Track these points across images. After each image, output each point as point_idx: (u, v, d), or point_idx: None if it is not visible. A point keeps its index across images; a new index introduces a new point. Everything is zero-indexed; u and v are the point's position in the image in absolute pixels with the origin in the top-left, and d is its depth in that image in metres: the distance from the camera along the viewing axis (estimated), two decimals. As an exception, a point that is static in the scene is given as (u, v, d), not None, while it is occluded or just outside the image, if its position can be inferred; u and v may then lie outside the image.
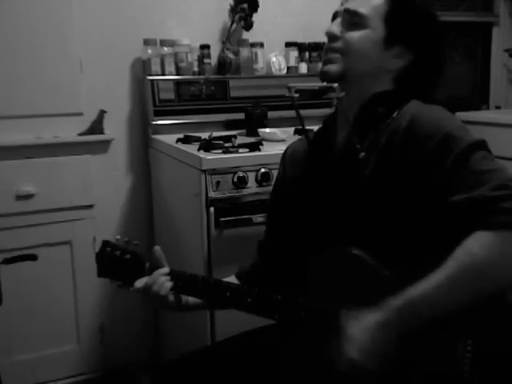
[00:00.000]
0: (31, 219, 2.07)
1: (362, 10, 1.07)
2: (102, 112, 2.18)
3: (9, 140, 2.04)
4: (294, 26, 2.43)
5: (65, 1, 2.08)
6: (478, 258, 0.90)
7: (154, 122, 2.19)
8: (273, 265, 1.25)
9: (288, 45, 2.39)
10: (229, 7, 2.32)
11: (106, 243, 1.21)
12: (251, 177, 1.70)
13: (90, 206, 2.19)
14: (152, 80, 2.18)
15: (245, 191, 1.70)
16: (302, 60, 2.42)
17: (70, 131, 2.15)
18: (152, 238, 2.32)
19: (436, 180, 0.98)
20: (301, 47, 2.42)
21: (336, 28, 1.09)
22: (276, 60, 2.37)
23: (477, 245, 0.90)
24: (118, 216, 2.29)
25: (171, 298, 1.15)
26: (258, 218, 1.69)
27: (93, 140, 2.18)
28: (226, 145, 1.82)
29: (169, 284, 1.14)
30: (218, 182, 1.66)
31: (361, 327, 0.94)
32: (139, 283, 1.14)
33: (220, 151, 1.74)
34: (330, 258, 1.06)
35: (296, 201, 1.19)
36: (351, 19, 1.08)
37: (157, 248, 1.20)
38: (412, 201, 1.01)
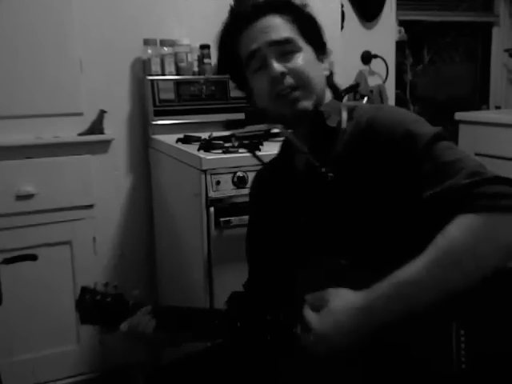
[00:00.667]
0: (31, 219, 2.07)
1: (288, 35, 1.06)
2: (102, 112, 2.18)
3: (9, 140, 2.04)
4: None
5: (65, 0, 2.08)
6: (460, 240, 0.89)
7: (154, 122, 2.19)
8: (261, 287, 1.24)
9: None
10: (229, 7, 2.32)
11: (84, 290, 1.19)
12: (251, 177, 1.69)
13: (90, 206, 2.19)
14: (152, 80, 2.18)
15: (245, 191, 1.69)
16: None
17: (70, 131, 2.15)
18: (152, 237, 2.32)
19: (405, 179, 0.98)
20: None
21: (277, 66, 1.05)
22: (276, 60, 2.37)
23: (457, 228, 0.90)
24: (118, 216, 2.29)
25: (159, 335, 1.13)
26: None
27: (93, 140, 2.18)
28: (226, 145, 1.82)
29: (153, 321, 1.12)
30: (218, 182, 1.66)
31: (342, 305, 0.94)
32: (124, 326, 1.13)
33: (220, 151, 1.73)
34: (316, 269, 1.05)
35: (274, 224, 1.19)
36: (283, 48, 1.06)
37: (135, 292, 1.19)
38: (382, 202, 1.00)
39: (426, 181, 0.95)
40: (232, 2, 2.30)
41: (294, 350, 1.04)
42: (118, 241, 2.30)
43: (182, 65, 2.23)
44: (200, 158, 1.66)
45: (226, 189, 1.67)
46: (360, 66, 2.76)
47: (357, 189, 1.03)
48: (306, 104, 1.06)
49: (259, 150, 1.76)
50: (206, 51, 2.26)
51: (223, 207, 1.67)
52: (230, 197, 1.68)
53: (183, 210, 1.91)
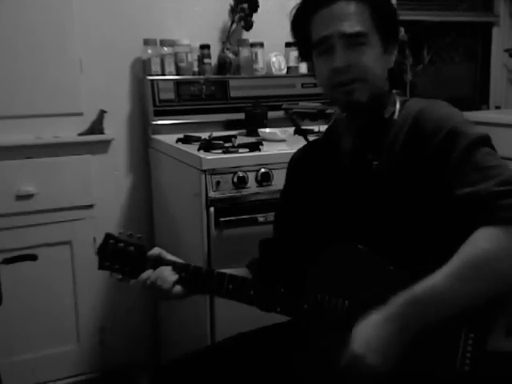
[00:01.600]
0: (31, 219, 2.07)
1: (361, 28, 1.05)
2: (102, 112, 2.18)
3: (9, 140, 2.04)
4: (294, 25, 2.43)
5: (65, 0, 2.08)
6: (486, 252, 0.90)
7: (154, 122, 2.19)
8: (280, 261, 1.26)
9: (288, 45, 2.38)
10: (229, 7, 2.32)
11: (108, 236, 1.22)
12: (251, 177, 1.70)
13: (90, 206, 2.19)
14: (152, 80, 2.18)
15: (245, 191, 1.70)
16: (302, 60, 2.42)
17: (70, 131, 2.15)
18: (152, 237, 2.32)
19: (442, 175, 0.99)
20: (301, 47, 2.42)
21: (343, 58, 1.05)
22: (276, 60, 2.37)
23: (484, 240, 0.90)
24: (118, 216, 2.29)
25: (175, 290, 1.16)
26: (258, 217, 1.69)
27: (93, 140, 2.18)
28: (226, 145, 1.82)
29: (173, 278, 1.16)
30: (218, 182, 1.66)
31: (367, 323, 0.95)
32: (145, 275, 1.16)
33: (220, 151, 1.74)
34: (336, 253, 1.07)
35: (307, 203, 1.21)
36: (353, 41, 1.05)
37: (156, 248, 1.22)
38: (420, 196, 1.02)
39: (460, 179, 0.96)
40: (232, 2, 2.31)
41: (307, 343, 1.05)
42: (118, 241, 2.30)
43: (182, 65, 2.23)
44: (200, 157, 1.66)
45: (226, 189, 1.67)
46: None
47: (399, 179, 1.05)
48: (361, 96, 1.07)
49: (259, 150, 1.76)
50: (205, 51, 2.26)
51: (223, 207, 1.67)
52: (230, 197, 1.68)
53: (183, 210, 1.91)
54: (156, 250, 1.21)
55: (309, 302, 1.04)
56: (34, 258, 1.87)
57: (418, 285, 0.92)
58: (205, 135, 1.98)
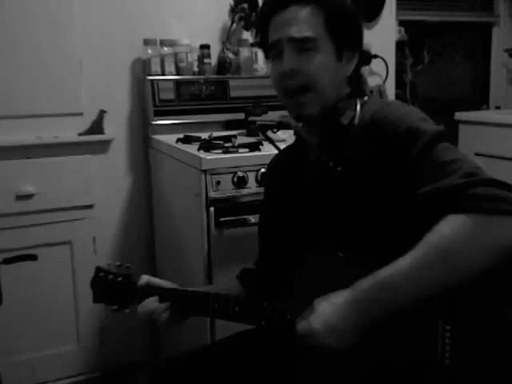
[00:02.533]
0: (31, 219, 2.07)
1: (309, 33, 1.04)
2: (102, 112, 2.18)
3: (9, 140, 2.04)
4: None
5: (65, 0, 2.08)
6: (449, 239, 0.90)
7: (154, 122, 2.20)
8: (268, 270, 1.27)
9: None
10: (229, 7, 2.32)
11: (98, 269, 1.24)
12: (251, 177, 1.70)
13: (90, 206, 2.19)
14: (152, 80, 2.18)
15: (245, 191, 1.70)
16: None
17: (70, 131, 2.15)
18: (152, 238, 2.33)
19: (404, 174, 0.99)
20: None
21: (289, 63, 1.05)
22: (276, 60, 2.37)
23: (447, 227, 0.90)
24: (118, 216, 2.29)
25: (165, 318, 1.16)
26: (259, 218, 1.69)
27: (93, 140, 2.18)
28: (226, 145, 1.82)
29: (159, 308, 1.17)
30: (218, 182, 1.66)
31: (329, 303, 0.95)
32: (140, 310, 1.19)
33: (220, 151, 1.74)
34: (316, 262, 1.06)
35: (283, 211, 1.21)
36: (301, 46, 1.05)
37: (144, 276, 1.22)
38: (385, 197, 1.02)
39: (422, 178, 0.96)
40: (232, 2, 2.31)
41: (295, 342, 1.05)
42: (118, 241, 2.30)
43: (182, 65, 2.23)
44: (200, 158, 1.66)
45: (226, 189, 1.67)
46: (360, 65, 2.76)
47: (363, 183, 1.04)
48: (311, 110, 1.07)
49: (259, 150, 1.76)
50: (206, 51, 2.26)
51: (223, 207, 1.67)
52: (230, 197, 1.68)
53: (183, 209, 1.91)
54: (143, 279, 1.21)
55: (291, 313, 1.03)
56: (33, 258, 1.87)
57: (383, 269, 0.92)
58: (205, 135, 1.98)
